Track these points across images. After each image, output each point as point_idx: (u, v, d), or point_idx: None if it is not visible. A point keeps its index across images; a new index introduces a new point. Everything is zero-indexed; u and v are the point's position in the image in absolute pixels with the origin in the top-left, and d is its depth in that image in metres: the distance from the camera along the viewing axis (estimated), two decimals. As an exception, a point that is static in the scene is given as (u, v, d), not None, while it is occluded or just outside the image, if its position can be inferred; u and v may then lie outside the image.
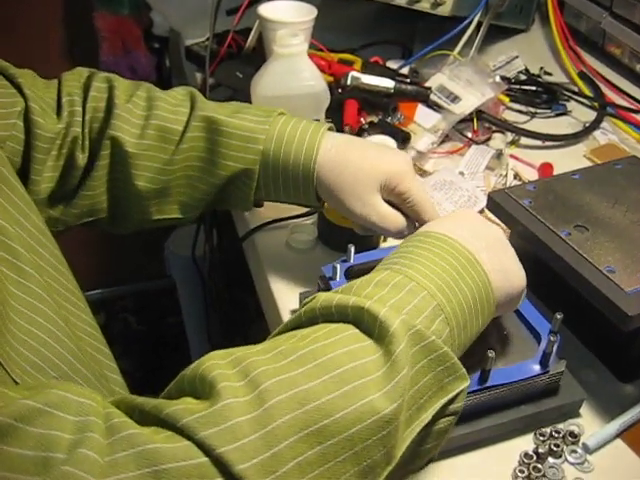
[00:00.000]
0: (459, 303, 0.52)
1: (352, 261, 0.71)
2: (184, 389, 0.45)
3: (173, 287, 1.63)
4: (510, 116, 1.06)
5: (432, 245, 0.55)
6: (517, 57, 1.15)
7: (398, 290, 0.51)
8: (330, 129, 0.74)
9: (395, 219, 0.70)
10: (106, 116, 0.72)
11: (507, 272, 0.57)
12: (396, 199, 0.71)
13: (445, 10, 1.09)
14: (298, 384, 0.43)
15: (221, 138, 0.71)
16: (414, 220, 0.71)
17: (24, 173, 0.69)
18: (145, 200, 0.74)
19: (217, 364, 0.44)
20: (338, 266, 0.68)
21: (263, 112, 0.73)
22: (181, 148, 0.72)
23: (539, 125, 1.03)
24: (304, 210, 0.85)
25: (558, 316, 0.61)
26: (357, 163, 0.70)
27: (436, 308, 0.51)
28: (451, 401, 0.50)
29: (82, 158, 0.72)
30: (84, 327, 0.63)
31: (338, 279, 0.68)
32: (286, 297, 0.76)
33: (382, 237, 0.82)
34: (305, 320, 0.51)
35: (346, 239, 0.79)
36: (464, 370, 0.50)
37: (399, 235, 0.71)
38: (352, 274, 0.70)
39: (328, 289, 0.68)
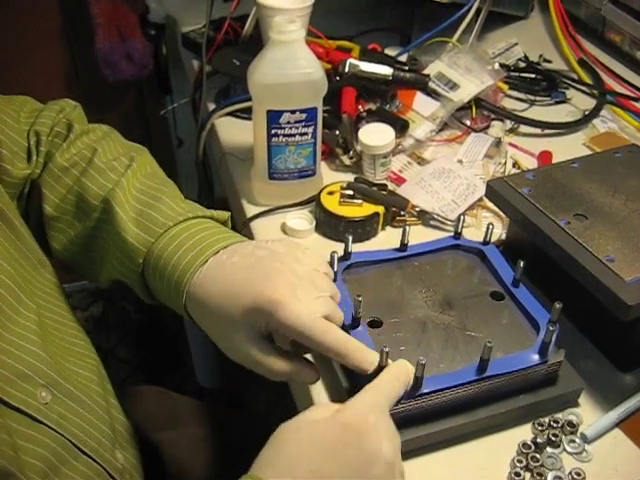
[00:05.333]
0: None
1: (350, 252, 0.70)
2: None
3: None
4: (509, 104, 1.05)
5: None
6: (516, 44, 1.14)
7: None
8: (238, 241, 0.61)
9: (271, 367, 0.55)
10: (44, 166, 0.70)
11: None
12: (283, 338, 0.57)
13: (444, -4, 1.08)
14: None
15: (110, 239, 0.65)
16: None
17: None
18: (68, 261, 0.70)
19: None
20: (335, 265, 0.66)
21: (170, 214, 0.63)
22: (88, 226, 0.67)
23: (538, 113, 1.03)
24: (303, 198, 0.84)
25: (557, 305, 0.61)
26: (219, 296, 0.56)
27: None
28: None
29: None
30: (70, 332, 0.63)
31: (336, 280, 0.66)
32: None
33: (380, 225, 0.82)
34: None
35: (344, 228, 0.79)
36: None
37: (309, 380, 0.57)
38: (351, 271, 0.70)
39: None
